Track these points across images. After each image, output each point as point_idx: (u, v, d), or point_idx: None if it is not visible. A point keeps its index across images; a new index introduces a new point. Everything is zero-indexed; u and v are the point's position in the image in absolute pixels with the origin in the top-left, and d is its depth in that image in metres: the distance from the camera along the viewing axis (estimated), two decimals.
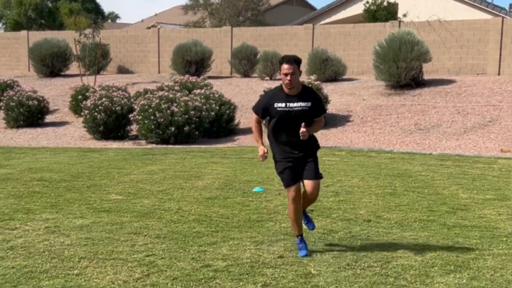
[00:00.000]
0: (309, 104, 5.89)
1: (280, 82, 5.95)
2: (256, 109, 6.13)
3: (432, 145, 15.47)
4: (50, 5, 39.58)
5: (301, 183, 5.96)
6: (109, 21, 49.62)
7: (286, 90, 5.91)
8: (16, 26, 38.60)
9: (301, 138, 5.81)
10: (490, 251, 5.94)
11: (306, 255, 5.75)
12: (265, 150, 5.92)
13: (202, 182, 10.00)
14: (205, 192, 8.99)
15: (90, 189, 9.21)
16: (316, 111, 5.99)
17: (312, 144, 6.04)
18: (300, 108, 5.85)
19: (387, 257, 5.70)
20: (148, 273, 5.12)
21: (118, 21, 55.29)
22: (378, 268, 5.34)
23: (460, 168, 11.89)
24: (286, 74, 5.81)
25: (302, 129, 5.77)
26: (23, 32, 31.52)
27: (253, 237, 6.40)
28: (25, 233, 6.43)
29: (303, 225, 6.12)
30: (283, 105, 5.86)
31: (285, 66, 5.81)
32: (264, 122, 6.22)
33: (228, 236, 6.42)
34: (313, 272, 5.17)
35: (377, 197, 8.75)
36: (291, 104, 5.85)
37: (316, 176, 5.94)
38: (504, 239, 6.45)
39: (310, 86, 16.24)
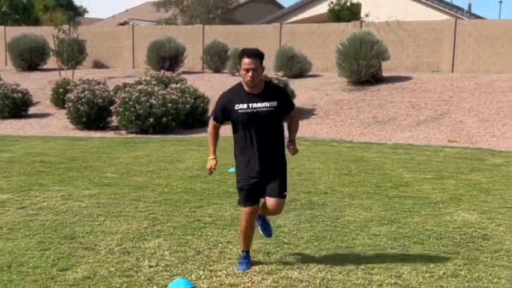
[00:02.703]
0: (274, 103, 5.21)
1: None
2: (214, 115, 5.38)
3: (388, 136, 17.10)
4: (24, 0, 40.46)
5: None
6: (79, 17, 50.35)
7: (247, 88, 5.21)
8: None
9: (291, 154, 5.39)
10: (418, 213, 7.56)
11: (244, 270, 5.29)
12: (213, 165, 5.50)
13: (183, 164, 11.47)
14: (188, 172, 10.47)
15: (87, 169, 10.63)
16: (286, 109, 5.37)
17: (280, 156, 5.37)
18: (265, 109, 5.18)
19: (337, 215, 7.30)
20: (153, 224, 6.67)
21: (86, 15, 55.85)
22: (329, 222, 6.94)
23: (409, 155, 13.51)
24: (247, 70, 5.09)
25: (290, 147, 5.37)
26: (0, 28, 32.48)
27: (232, 203, 7.92)
28: (46, 199, 7.91)
29: (259, 231, 5.74)
30: (245, 106, 5.17)
31: (245, 60, 5.12)
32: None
33: (211, 202, 7.96)
34: (280, 223, 6.72)
35: (334, 176, 10.32)
36: (255, 105, 5.17)
37: (280, 193, 5.29)
38: (432, 205, 8.08)
39: (277, 81, 17.88)
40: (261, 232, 5.72)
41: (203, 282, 4.86)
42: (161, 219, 6.88)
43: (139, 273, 5.05)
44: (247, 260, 5.40)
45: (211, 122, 5.47)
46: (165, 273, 5.08)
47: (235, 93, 5.30)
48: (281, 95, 5.34)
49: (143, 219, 6.90)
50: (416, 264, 5.41)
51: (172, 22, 37.92)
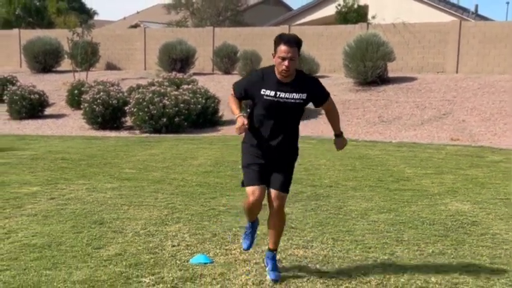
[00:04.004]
0: (304, 95, 4.87)
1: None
2: (237, 88, 5.07)
3: (393, 135, 17.70)
4: (37, 4, 41.40)
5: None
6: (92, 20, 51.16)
7: (279, 76, 4.85)
8: (5, 24, 40.41)
9: (339, 149, 5.22)
10: (415, 203, 8.18)
11: (245, 249, 5.40)
12: (245, 122, 4.77)
13: (197, 161, 12.12)
14: (201, 168, 11.13)
15: (106, 165, 11.30)
16: (319, 98, 5.03)
17: (292, 149, 5.07)
18: (292, 100, 4.84)
19: (340, 205, 7.94)
20: (172, 212, 7.35)
21: (96, 17, 56.67)
22: (333, 210, 7.59)
23: (412, 153, 14.12)
24: (283, 58, 4.73)
25: (338, 141, 5.20)
26: (15, 30, 33.33)
27: (244, 194, 8.48)
28: (73, 191, 8.59)
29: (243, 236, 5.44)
30: (272, 93, 4.82)
31: (282, 47, 4.73)
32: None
33: (224, 193, 8.61)
34: (287, 211, 7.34)
35: (339, 172, 10.95)
36: (282, 94, 4.83)
37: (283, 186, 5.04)
38: (429, 196, 8.69)
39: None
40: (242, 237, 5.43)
41: (220, 258, 5.51)
42: (180, 208, 7.56)
43: (164, 251, 5.72)
44: (251, 233, 5.31)
45: (231, 95, 5.11)
46: (186, 251, 5.76)
47: (266, 76, 4.91)
48: (312, 87, 4.96)
49: (163, 208, 7.58)
50: (409, 245, 6.07)
51: (182, 24, 38.62)
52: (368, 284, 4.93)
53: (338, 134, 5.21)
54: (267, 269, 5.14)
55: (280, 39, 4.78)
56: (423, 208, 7.84)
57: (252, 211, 5.10)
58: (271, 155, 4.96)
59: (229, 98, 5.13)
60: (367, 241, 6.16)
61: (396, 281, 4.98)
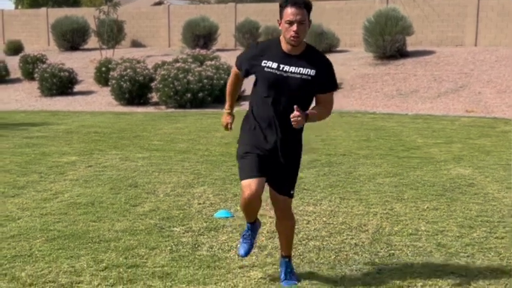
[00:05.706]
0: (312, 71, 4.15)
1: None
2: (238, 61, 4.43)
3: (410, 107, 18.32)
4: None
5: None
6: None
7: (285, 46, 4.19)
8: (33, 3, 41.47)
9: (292, 125, 4.07)
10: (420, 168, 8.89)
11: (242, 255, 4.63)
12: (230, 122, 4.57)
13: (219, 134, 12.87)
14: (224, 140, 11.90)
15: (136, 138, 12.15)
16: (323, 84, 4.24)
17: (297, 141, 4.37)
18: (298, 76, 4.14)
19: (350, 170, 8.70)
20: (198, 177, 8.19)
21: None
22: (343, 175, 8.35)
23: (426, 124, 14.76)
24: (290, 22, 4.05)
25: (295, 112, 4.02)
26: (43, 10, 34.32)
27: None
28: (108, 160, 9.46)
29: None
30: (274, 65, 4.17)
31: (289, 10, 4.05)
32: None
33: None
34: (301, 175, 8.09)
35: (354, 142, 11.67)
36: (287, 68, 4.14)
37: (287, 190, 4.38)
38: (435, 163, 9.39)
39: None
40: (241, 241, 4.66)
41: (239, 213, 6.27)
42: (204, 174, 8.40)
43: (191, 208, 6.57)
44: (249, 237, 4.60)
45: (233, 70, 4.54)
46: (210, 207, 6.60)
47: (268, 47, 4.28)
48: (322, 64, 4.24)
49: (190, 173, 8.41)
50: (407, 202, 6.84)
51: (205, 0, 39.25)
52: (366, 232, 5.72)
53: (308, 113, 4.18)
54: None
55: (285, 2, 4.09)
56: (426, 173, 8.56)
57: (250, 207, 4.35)
58: (274, 143, 4.28)
59: (229, 80, 4.63)
60: (370, 199, 6.94)
61: (391, 230, 5.77)
